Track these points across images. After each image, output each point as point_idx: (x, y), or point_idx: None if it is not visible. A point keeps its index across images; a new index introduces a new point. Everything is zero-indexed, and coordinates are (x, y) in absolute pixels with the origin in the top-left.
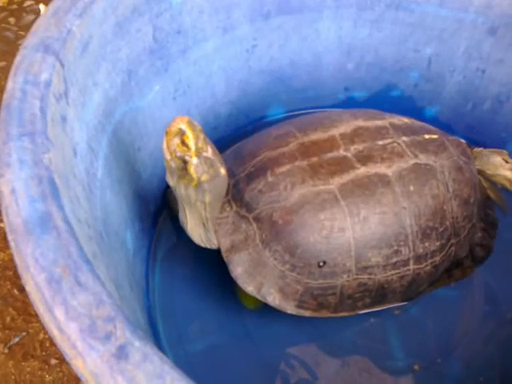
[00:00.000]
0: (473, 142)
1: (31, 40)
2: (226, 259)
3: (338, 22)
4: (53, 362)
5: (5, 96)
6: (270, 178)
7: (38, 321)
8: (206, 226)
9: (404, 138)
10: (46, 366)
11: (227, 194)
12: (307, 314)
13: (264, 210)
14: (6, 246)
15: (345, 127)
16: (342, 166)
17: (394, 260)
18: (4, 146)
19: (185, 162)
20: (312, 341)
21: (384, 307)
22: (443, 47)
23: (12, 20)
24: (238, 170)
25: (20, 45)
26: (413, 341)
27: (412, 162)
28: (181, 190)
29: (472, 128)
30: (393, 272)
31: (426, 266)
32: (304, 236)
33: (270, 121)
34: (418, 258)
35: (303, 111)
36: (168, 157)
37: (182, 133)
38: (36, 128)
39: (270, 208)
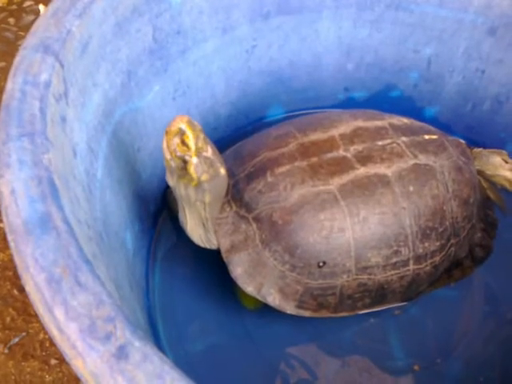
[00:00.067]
0: (472, 143)
1: (31, 40)
2: (225, 259)
3: (338, 23)
4: (53, 362)
5: (4, 96)
6: (269, 179)
7: (38, 321)
8: (206, 226)
9: (403, 139)
10: (46, 366)
11: (227, 194)
12: (307, 314)
13: (264, 210)
14: (6, 247)
15: (344, 127)
16: (342, 166)
17: (394, 260)
18: (4, 146)
19: (185, 162)
20: (312, 341)
21: (384, 307)
22: (443, 47)
23: (12, 20)
24: (238, 171)
25: (19, 45)
26: (413, 341)
27: (412, 162)
28: (181, 189)
29: (471, 128)
30: (392, 272)
31: (426, 266)
32: (304, 236)
33: (269, 121)
34: (418, 259)
35: (303, 112)
36: (168, 156)
37: (181, 132)
38: (36, 128)
39: (269, 208)
